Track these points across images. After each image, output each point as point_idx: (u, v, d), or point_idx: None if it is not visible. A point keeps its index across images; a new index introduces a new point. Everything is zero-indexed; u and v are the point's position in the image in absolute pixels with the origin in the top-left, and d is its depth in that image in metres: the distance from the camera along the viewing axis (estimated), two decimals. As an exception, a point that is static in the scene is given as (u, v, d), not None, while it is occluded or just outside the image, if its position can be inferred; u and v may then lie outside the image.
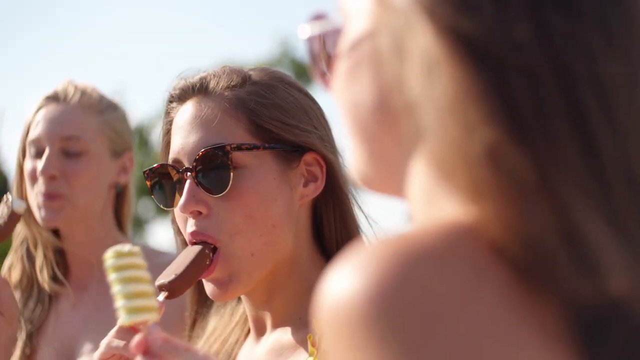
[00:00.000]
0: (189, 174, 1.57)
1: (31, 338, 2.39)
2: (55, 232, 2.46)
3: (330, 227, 1.62)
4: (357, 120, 0.81)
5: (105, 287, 2.39)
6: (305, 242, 1.61)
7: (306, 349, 1.51)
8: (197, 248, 1.54)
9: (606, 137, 0.72)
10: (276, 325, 1.60)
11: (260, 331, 1.63)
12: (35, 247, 2.44)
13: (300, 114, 1.60)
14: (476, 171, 0.71)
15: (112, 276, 1.28)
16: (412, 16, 0.74)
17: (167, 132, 1.67)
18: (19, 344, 2.37)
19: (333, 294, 0.69)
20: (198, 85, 1.61)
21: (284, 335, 1.58)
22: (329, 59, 0.87)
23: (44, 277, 2.42)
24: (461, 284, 0.68)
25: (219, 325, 1.71)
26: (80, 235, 2.44)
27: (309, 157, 1.59)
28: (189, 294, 1.71)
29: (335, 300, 0.69)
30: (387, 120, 0.79)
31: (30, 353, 2.38)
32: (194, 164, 1.56)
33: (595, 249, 0.70)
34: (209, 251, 1.54)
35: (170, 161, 1.62)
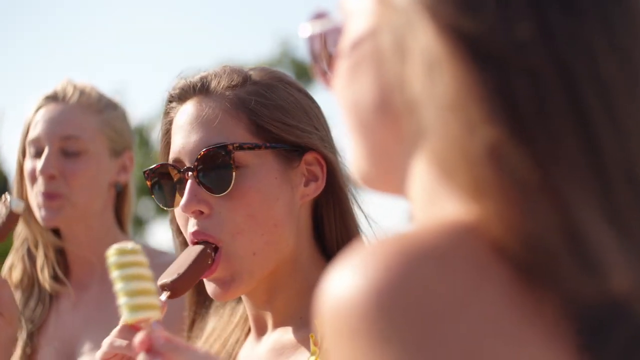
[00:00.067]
0: (190, 173, 1.57)
1: (32, 337, 2.39)
2: (56, 232, 2.46)
3: (331, 226, 1.62)
4: (358, 119, 0.81)
5: (106, 286, 2.41)
6: (306, 241, 1.61)
7: (307, 348, 1.52)
8: (199, 248, 1.54)
9: (608, 136, 0.72)
10: (277, 324, 1.60)
11: (261, 331, 1.63)
12: (36, 247, 2.44)
13: (300, 114, 1.60)
14: (478, 170, 0.71)
15: (114, 273, 1.28)
16: (413, 15, 0.74)
17: (167, 132, 1.67)
18: (20, 344, 2.37)
19: (334, 293, 0.69)
20: (199, 85, 1.61)
21: (285, 334, 1.58)
22: (330, 58, 0.87)
23: (44, 277, 2.42)
24: (462, 283, 0.68)
25: (218, 326, 1.71)
26: (80, 235, 2.44)
27: (309, 156, 1.59)
28: (188, 295, 1.71)
29: (337, 300, 0.69)
30: (388, 119, 0.79)
31: (31, 352, 2.38)
32: (196, 163, 1.56)
33: (597, 248, 0.70)
34: (210, 251, 1.54)
35: (170, 161, 1.61)
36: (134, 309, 1.27)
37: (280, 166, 1.57)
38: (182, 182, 1.59)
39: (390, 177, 0.81)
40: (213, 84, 1.61)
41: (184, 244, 1.68)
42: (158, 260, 2.06)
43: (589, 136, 0.71)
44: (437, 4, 0.73)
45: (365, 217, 1.65)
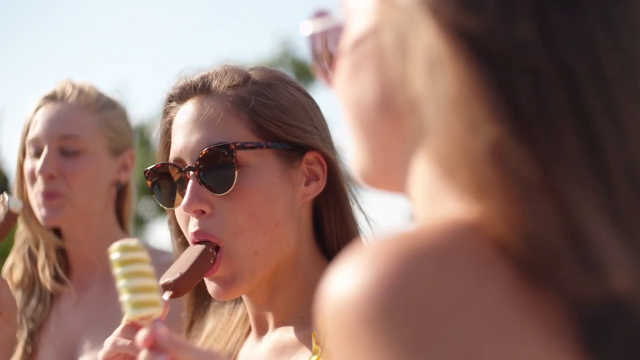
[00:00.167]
0: (191, 173, 1.57)
1: (33, 337, 2.39)
2: (57, 232, 2.46)
3: (331, 226, 1.62)
4: (359, 117, 0.81)
5: (106, 285, 2.41)
6: (307, 240, 1.61)
7: (309, 347, 1.52)
8: (201, 247, 1.54)
9: (610, 137, 0.71)
10: (278, 324, 1.60)
11: (262, 330, 1.63)
12: (37, 247, 2.45)
13: (301, 114, 1.61)
14: (479, 169, 0.71)
15: (117, 270, 1.28)
16: (415, 13, 0.74)
17: (167, 132, 1.67)
18: (21, 343, 2.38)
19: (336, 292, 0.69)
20: (200, 84, 1.61)
21: (286, 334, 1.58)
22: (331, 57, 0.87)
23: (45, 277, 2.42)
24: (463, 282, 0.68)
25: (217, 326, 1.71)
26: (81, 234, 2.44)
27: (310, 156, 1.60)
28: (186, 295, 1.71)
29: (338, 299, 0.69)
30: (390, 117, 0.79)
31: (32, 351, 2.39)
32: (197, 162, 1.56)
33: (599, 248, 0.70)
34: (212, 250, 1.54)
35: (171, 161, 1.61)
36: (137, 305, 1.26)
37: (282, 165, 1.57)
38: (183, 181, 1.59)
39: (391, 176, 0.81)
40: (214, 84, 1.61)
41: (183, 245, 1.68)
42: (159, 259, 2.06)
43: (590, 136, 0.71)
44: (439, 2, 0.73)
45: (365, 217, 1.65)
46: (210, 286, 1.57)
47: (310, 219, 1.63)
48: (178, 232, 1.70)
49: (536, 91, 0.71)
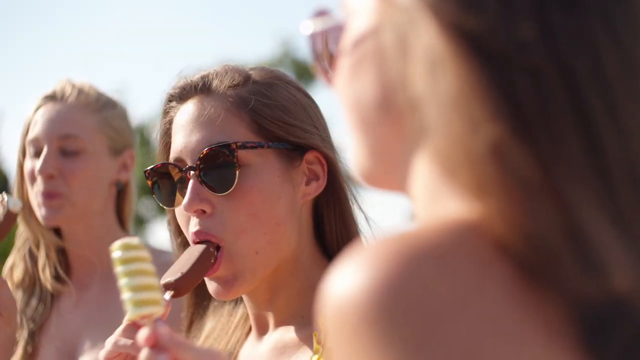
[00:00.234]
0: (192, 172, 1.57)
1: (33, 336, 2.39)
2: (57, 232, 2.46)
3: (331, 225, 1.62)
4: (359, 116, 0.81)
5: (107, 285, 2.42)
6: (307, 240, 1.61)
7: (310, 346, 1.52)
8: (202, 247, 1.54)
9: (611, 137, 0.71)
10: (279, 323, 1.60)
11: (262, 330, 1.63)
12: (38, 247, 2.45)
13: (301, 114, 1.61)
14: (480, 168, 0.70)
15: (119, 268, 1.28)
16: (415, 13, 0.74)
17: (166, 132, 1.66)
18: (21, 343, 2.38)
19: (336, 292, 0.69)
20: (200, 84, 1.61)
21: (287, 333, 1.58)
22: (331, 57, 0.87)
23: (46, 277, 2.42)
24: (463, 282, 0.68)
25: (217, 326, 1.71)
26: (81, 234, 2.44)
27: (310, 155, 1.60)
28: (186, 296, 1.71)
29: (338, 299, 0.69)
30: (390, 117, 0.79)
31: (32, 351, 2.39)
32: (198, 162, 1.56)
33: (600, 248, 0.70)
34: (213, 249, 1.54)
35: (171, 160, 1.61)
36: (138, 304, 1.26)
37: (282, 165, 1.57)
38: (183, 181, 1.59)
39: (391, 175, 0.81)
40: (215, 83, 1.60)
41: (183, 245, 1.68)
42: (159, 259, 2.06)
43: (590, 136, 0.71)
44: (439, 2, 0.73)
45: (365, 216, 1.65)
46: (211, 286, 1.57)
47: (311, 218, 1.63)
48: (178, 232, 1.70)
49: (537, 91, 0.71)
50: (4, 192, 2.06)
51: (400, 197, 0.83)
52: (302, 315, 1.56)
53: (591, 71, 0.72)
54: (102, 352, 1.44)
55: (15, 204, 1.99)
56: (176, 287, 1.52)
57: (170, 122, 1.65)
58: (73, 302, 2.44)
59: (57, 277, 2.44)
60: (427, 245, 0.69)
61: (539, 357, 0.68)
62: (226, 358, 1.47)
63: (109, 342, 1.43)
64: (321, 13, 0.88)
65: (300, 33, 0.90)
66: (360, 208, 1.65)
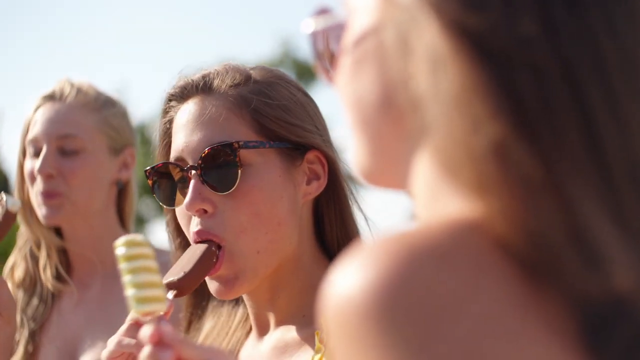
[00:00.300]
0: (193, 172, 1.57)
1: (34, 336, 2.39)
2: (58, 232, 2.46)
3: (331, 225, 1.63)
4: (361, 115, 0.81)
5: (107, 285, 2.42)
6: (308, 240, 1.61)
7: (311, 346, 1.52)
8: (203, 246, 1.54)
9: (612, 135, 0.71)
10: (280, 323, 1.60)
11: (263, 330, 1.63)
12: (38, 247, 2.45)
13: (302, 113, 1.61)
14: (482, 167, 0.70)
15: (122, 265, 1.28)
16: (417, 11, 0.74)
17: (166, 132, 1.66)
18: (22, 342, 2.38)
19: (337, 292, 0.69)
20: (201, 83, 1.61)
21: (288, 333, 1.58)
22: (333, 55, 0.87)
23: (47, 277, 2.43)
24: (465, 281, 0.68)
25: (216, 326, 1.71)
26: (81, 234, 2.44)
27: (311, 155, 1.60)
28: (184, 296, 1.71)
29: (340, 298, 0.69)
30: (392, 115, 0.78)
31: (33, 350, 2.39)
32: (199, 161, 1.56)
33: (601, 246, 0.70)
34: (215, 249, 1.54)
35: (172, 160, 1.61)
36: (142, 301, 1.26)
37: (284, 164, 1.57)
38: (184, 181, 1.59)
39: (392, 174, 0.81)
40: (216, 83, 1.60)
41: (182, 246, 1.68)
42: (160, 259, 2.06)
43: (591, 132, 0.71)
44: (441, 0, 0.73)
45: (364, 216, 1.65)
46: (212, 285, 1.57)
47: (311, 218, 1.63)
48: (177, 233, 1.69)
49: (538, 87, 0.71)
50: (2, 192, 2.06)
51: (400, 197, 0.83)
52: (303, 315, 1.56)
53: (592, 68, 0.72)
54: (105, 352, 1.43)
55: (14, 204, 1.99)
56: (179, 286, 1.51)
57: (171, 122, 1.65)
58: (74, 302, 2.44)
59: (58, 277, 2.44)
60: (429, 245, 0.69)
61: (540, 356, 0.68)
62: (229, 355, 1.46)
63: (112, 342, 1.42)
64: (322, 11, 0.88)
65: (300, 33, 0.90)
66: (360, 208, 1.65)
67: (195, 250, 1.54)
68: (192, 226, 1.57)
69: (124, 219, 2.53)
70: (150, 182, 1.65)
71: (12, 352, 1.99)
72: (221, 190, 1.55)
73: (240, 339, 1.68)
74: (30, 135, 2.43)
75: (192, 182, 1.56)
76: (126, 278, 1.27)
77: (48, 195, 2.38)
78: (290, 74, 1.76)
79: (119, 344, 1.41)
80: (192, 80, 1.62)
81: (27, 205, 2.43)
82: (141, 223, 19.35)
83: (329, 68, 0.88)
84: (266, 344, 1.61)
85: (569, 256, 0.69)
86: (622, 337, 0.70)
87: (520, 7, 0.72)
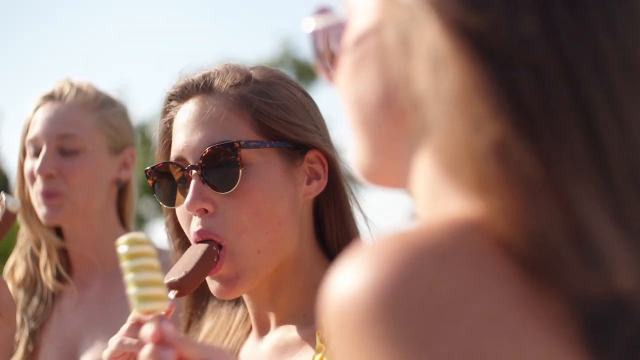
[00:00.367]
0: (194, 171, 1.57)
1: (34, 336, 2.40)
2: (58, 232, 2.46)
3: (332, 224, 1.63)
4: (361, 114, 0.81)
5: (108, 285, 2.42)
6: (308, 239, 1.61)
7: (312, 345, 1.52)
8: (204, 245, 1.54)
9: (612, 134, 0.71)
10: (280, 322, 1.60)
11: (263, 329, 1.63)
12: (39, 247, 2.45)
13: (302, 113, 1.61)
14: (482, 166, 0.70)
15: (125, 263, 1.28)
16: (418, 11, 0.74)
17: (166, 132, 1.66)
18: (22, 342, 2.38)
19: (339, 291, 0.69)
20: (202, 83, 1.61)
21: (289, 332, 1.58)
22: (333, 54, 0.87)
23: (47, 277, 2.43)
24: (465, 281, 0.68)
25: (216, 326, 1.71)
26: (82, 233, 2.44)
27: (311, 155, 1.60)
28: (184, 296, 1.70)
29: (341, 298, 0.69)
30: (392, 115, 0.78)
31: (33, 350, 2.39)
32: (200, 161, 1.56)
33: (602, 245, 0.70)
34: (216, 248, 1.54)
35: (172, 159, 1.61)
36: (143, 299, 1.26)
37: (284, 164, 1.57)
38: (185, 180, 1.59)
39: (393, 173, 0.81)
40: (216, 82, 1.60)
41: (181, 247, 1.68)
42: (161, 259, 2.06)
43: (592, 131, 0.71)
44: (442, 0, 0.73)
45: (363, 216, 1.65)
46: (213, 285, 1.57)
47: (311, 217, 1.63)
48: (176, 233, 1.69)
49: (539, 87, 0.71)
50: (2, 192, 2.05)
51: (401, 196, 0.83)
52: (303, 314, 1.56)
53: (593, 68, 0.72)
54: (107, 352, 1.43)
55: (14, 204, 1.99)
56: (180, 286, 1.51)
57: (171, 122, 1.65)
58: (74, 302, 2.44)
59: (58, 277, 2.44)
60: (429, 244, 0.69)
61: (540, 356, 0.68)
62: (231, 354, 1.46)
63: (114, 342, 1.42)
64: (323, 10, 0.88)
65: (301, 33, 0.90)
66: (359, 208, 1.65)
67: (196, 250, 1.54)
68: (192, 226, 1.57)
69: (124, 218, 2.53)
70: (150, 181, 1.65)
71: (12, 353, 1.99)
72: (222, 190, 1.55)
73: (241, 339, 1.68)
74: (30, 135, 2.43)
75: (192, 182, 1.56)
76: (128, 276, 1.27)
77: (48, 195, 2.38)
78: (290, 74, 1.76)
79: (121, 343, 1.41)
80: (193, 80, 1.62)
81: (27, 205, 2.43)
82: (141, 223, 19.36)
83: (330, 67, 0.88)
84: (266, 343, 1.61)
85: (569, 256, 0.69)
86: (622, 337, 0.70)
87: (520, 7, 0.72)
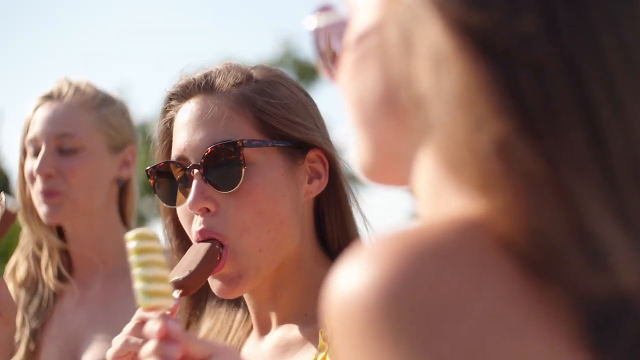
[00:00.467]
0: (196, 171, 1.57)
1: (35, 335, 2.40)
2: (59, 231, 2.46)
3: (332, 223, 1.63)
4: (363, 112, 0.81)
5: (109, 284, 2.42)
6: (309, 238, 1.62)
7: (314, 344, 1.52)
8: (207, 245, 1.54)
9: (615, 134, 0.71)
10: (281, 322, 1.60)
11: (264, 329, 1.63)
12: (40, 247, 2.45)
13: (303, 112, 1.61)
14: (485, 165, 0.70)
15: (132, 258, 1.28)
16: (419, 9, 0.74)
17: (167, 131, 1.66)
18: (24, 341, 2.38)
19: (341, 290, 0.69)
20: (203, 82, 1.61)
21: (290, 331, 1.58)
22: (335, 53, 0.87)
23: (49, 277, 2.43)
24: (468, 280, 0.68)
25: (215, 326, 1.70)
26: (83, 233, 2.45)
27: (312, 154, 1.60)
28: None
29: (343, 297, 0.69)
30: (394, 113, 0.78)
31: (35, 349, 2.39)
32: (202, 160, 1.56)
33: (605, 244, 0.70)
34: (218, 247, 1.54)
35: (173, 159, 1.61)
36: (149, 294, 1.26)
37: (286, 163, 1.58)
38: (186, 180, 1.59)
39: (394, 171, 0.82)
40: (218, 82, 1.60)
41: (181, 247, 1.68)
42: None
43: (594, 130, 0.71)
44: None
45: (363, 216, 1.65)
46: (215, 284, 1.57)
47: (312, 216, 1.63)
48: (176, 234, 1.69)
49: (541, 85, 0.71)
50: (2, 192, 2.05)
51: (403, 196, 0.83)
52: (305, 313, 1.56)
53: (595, 66, 0.72)
54: (111, 351, 1.42)
55: (14, 204, 1.99)
56: (184, 285, 1.51)
57: (171, 121, 1.65)
58: (75, 301, 2.44)
59: (59, 277, 2.45)
60: (431, 243, 0.69)
61: (543, 354, 0.68)
62: (236, 351, 1.46)
63: (119, 341, 1.42)
64: (324, 9, 0.88)
65: (301, 33, 0.90)
66: (359, 208, 1.65)
67: (199, 249, 1.54)
68: (194, 225, 1.57)
69: (126, 217, 2.53)
70: (151, 181, 1.65)
71: (11, 353, 1.99)
72: (224, 189, 1.55)
73: (241, 338, 1.68)
74: (29, 135, 2.44)
75: (194, 181, 1.56)
76: (136, 271, 1.27)
77: (47, 194, 2.38)
78: (291, 73, 1.76)
79: (126, 343, 1.41)
80: (194, 79, 1.62)
81: (28, 205, 2.43)
82: (142, 222, 19.36)
83: (331, 66, 0.88)
84: (268, 342, 1.61)
85: (572, 254, 0.69)
86: (625, 335, 0.70)
87: (522, 6, 0.72)
